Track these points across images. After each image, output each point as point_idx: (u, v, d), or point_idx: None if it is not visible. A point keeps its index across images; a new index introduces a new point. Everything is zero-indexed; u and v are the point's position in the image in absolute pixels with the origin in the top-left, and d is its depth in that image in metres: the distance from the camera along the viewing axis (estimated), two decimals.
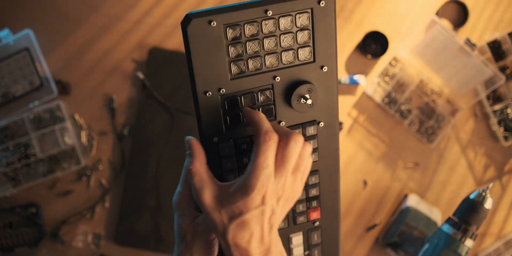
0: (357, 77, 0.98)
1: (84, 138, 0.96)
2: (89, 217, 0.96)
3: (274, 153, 0.42)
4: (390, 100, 1.01)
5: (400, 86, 1.01)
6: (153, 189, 0.96)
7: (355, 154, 1.00)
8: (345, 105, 1.00)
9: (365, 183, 1.00)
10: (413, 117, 1.01)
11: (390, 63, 1.00)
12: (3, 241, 0.93)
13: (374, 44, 1.00)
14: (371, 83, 1.00)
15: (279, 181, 0.41)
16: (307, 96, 0.45)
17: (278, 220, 0.44)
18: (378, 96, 1.00)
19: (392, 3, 1.01)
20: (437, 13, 1.02)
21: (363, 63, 1.00)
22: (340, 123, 0.99)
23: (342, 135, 1.00)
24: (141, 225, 0.95)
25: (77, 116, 0.96)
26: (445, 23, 1.02)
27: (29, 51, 0.93)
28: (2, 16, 0.95)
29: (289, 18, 0.43)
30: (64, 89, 0.94)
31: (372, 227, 1.00)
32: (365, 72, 1.00)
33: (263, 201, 0.40)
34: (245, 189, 0.40)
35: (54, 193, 0.95)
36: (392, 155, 1.01)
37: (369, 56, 1.00)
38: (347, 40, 1.00)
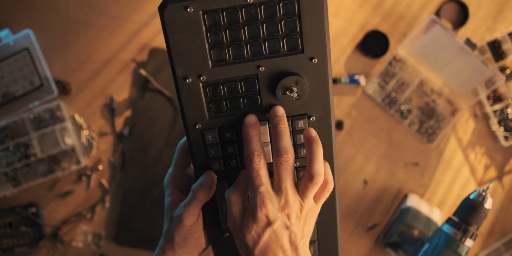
0: (357, 77, 0.98)
1: (84, 138, 0.96)
2: (89, 217, 0.96)
3: (264, 172, 0.41)
4: (390, 100, 1.01)
5: (400, 86, 1.01)
6: (153, 189, 0.96)
7: (355, 154, 1.00)
8: (345, 105, 1.00)
9: (365, 182, 1.00)
10: (413, 117, 1.01)
11: (390, 63, 1.00)
12: (3, 241, 0.93)
13: (374, 44, 1.00)
14: (371, 83, 1.00)
15: (281, 198, 0.41)
16: (294, 88, 0.43)
17: (302, 240, 0.42)
18: (378, 96, 1.00)
19: (392, 3, 1.01)
20: (437, 13, 1.02)
21: (363, 63, 1.00)
22: (341, 123, 0.99)
23: (342, 135, 1.00)
24: (141, 225, 0.95)
25: (77, 116, 0.96)
26: (445, 23, 1.02)
27: (29, 51, 0.93)
28: (2, 16, 0.95)
29: (272, 5, 0.40)
30: (64, 89, 0.94)
31: (372, 227, 1.00)
32: (365, 72, 1.00)
33: (268, 220, 0.40)
34: (249, 214, 0.41)
35: (54, 193, 0.95)
36: (392, 155, 1.01)
37: (369, 56, 1.00)
38: (347, 40, 1.00)
